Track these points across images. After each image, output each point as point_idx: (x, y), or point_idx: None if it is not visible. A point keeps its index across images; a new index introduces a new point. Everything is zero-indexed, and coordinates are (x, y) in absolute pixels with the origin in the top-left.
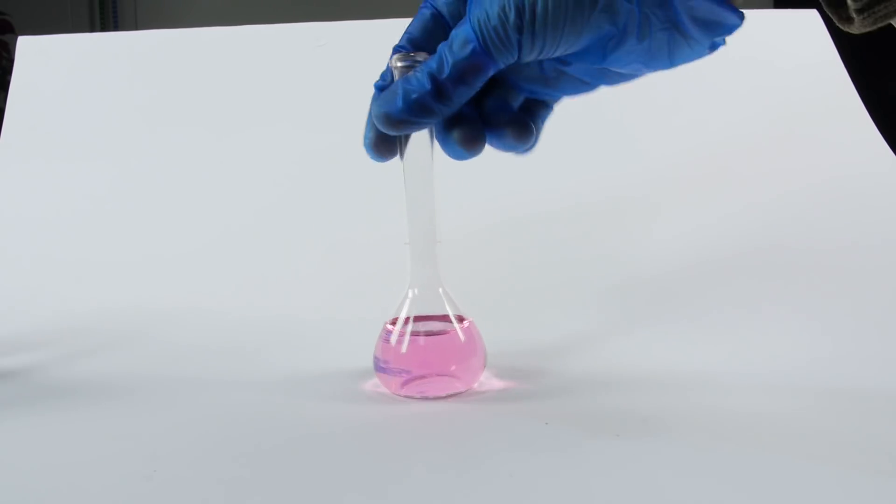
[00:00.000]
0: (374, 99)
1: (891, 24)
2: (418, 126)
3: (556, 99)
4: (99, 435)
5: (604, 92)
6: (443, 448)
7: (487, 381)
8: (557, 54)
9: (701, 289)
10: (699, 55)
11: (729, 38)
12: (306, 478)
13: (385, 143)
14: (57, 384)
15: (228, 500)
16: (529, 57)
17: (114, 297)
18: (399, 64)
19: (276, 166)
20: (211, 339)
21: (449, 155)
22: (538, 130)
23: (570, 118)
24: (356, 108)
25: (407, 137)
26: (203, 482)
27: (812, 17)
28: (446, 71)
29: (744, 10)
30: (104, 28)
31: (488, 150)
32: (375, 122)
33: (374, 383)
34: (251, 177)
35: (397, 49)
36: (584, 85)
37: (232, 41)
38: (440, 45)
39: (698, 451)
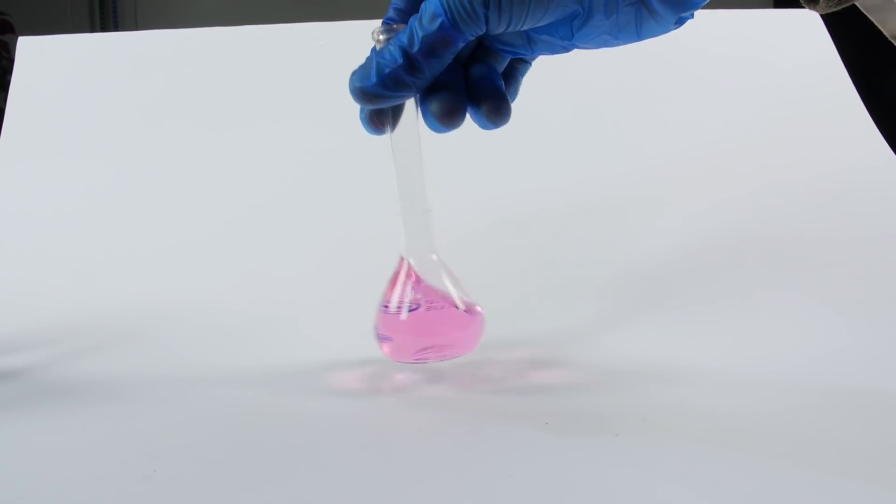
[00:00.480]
0: (352, 73)
1: (855, 5)
2: (393, 100)
3: (535, 56)
4: (98, 435)
5: (605, 91)
6: (442, 447)
7: (488, 379)
8: (525, 28)
9: (702, 286)
10: (666, 30)
11: (726, 36)
12: (306, 477)
13: (379, 116)
14: (57, 383)
15: (229, 499)
16: (497, 30)
17: (114, 296)
18: (381, 37)
19: (276, 166)
20: (213, 337)
21: (428, 127)
22: (517, 86)
23: (570, 116)
24: (356, 108)
25: (395, 110)
26: (204, 482)
27: (812, 17)
28: (416, 45)
29: (744, 10)
30: (104, 28)
31: (489, 148)
32: (352, 97)
33: (373, 380)
34: (251, 176)
35: (385, 22)
36: (561, 48)
37: (232, 41)
38: (411, 19)
39: (698, 451)
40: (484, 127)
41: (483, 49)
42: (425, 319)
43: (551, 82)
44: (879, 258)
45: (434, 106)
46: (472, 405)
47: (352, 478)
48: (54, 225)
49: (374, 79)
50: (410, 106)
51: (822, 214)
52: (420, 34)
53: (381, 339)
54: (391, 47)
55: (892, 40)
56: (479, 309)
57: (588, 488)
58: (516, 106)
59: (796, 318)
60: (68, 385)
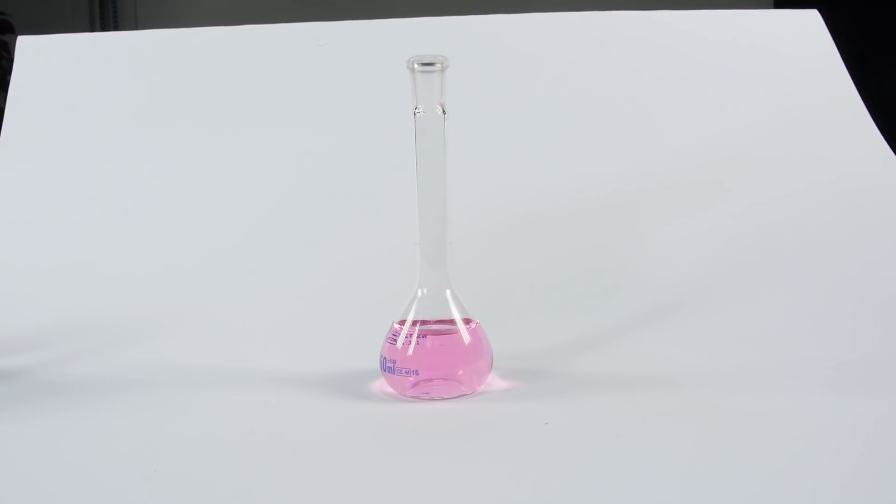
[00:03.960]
0: None
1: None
2: None
3: None
4: (97, 435)
5: (609, 95)
6: (444, 448)
7: (491, 380)
8: None
9: (703, 289)
10: None
11: (727, 36)
12: (306, 477)
13: None
14: (56, 385)
15: (228, 500)
16: None
17: (113, 297)
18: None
19: (277, 166)
20: (212, 339)
21: None
22: None
23: (576, 120)
24: (356, 108)
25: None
26: (203, 482)
27: (813, 16)
28: None
29: (744, 10)
30: (104, 28)
31: (491, 149)
32: None
33: (379, 383)
34: (252, 177)
35: None
36: None
37: (232, 41)
38: None
39: (697, 451)
40: None
41: None
42: (431, 354)
43: (555, 85)
44: (881, 258)
45: None
46: (474, 406)
47: (352, 478)
48: (52, 226)
49: None
50: (438, 136)
51: (823, 215)
52: None
53: (386, 369)
54: None
55: None
56: (487, 346)
57: (588, 488)
58: (517, 108)
59: (798, 322)
60: (68, 386)
